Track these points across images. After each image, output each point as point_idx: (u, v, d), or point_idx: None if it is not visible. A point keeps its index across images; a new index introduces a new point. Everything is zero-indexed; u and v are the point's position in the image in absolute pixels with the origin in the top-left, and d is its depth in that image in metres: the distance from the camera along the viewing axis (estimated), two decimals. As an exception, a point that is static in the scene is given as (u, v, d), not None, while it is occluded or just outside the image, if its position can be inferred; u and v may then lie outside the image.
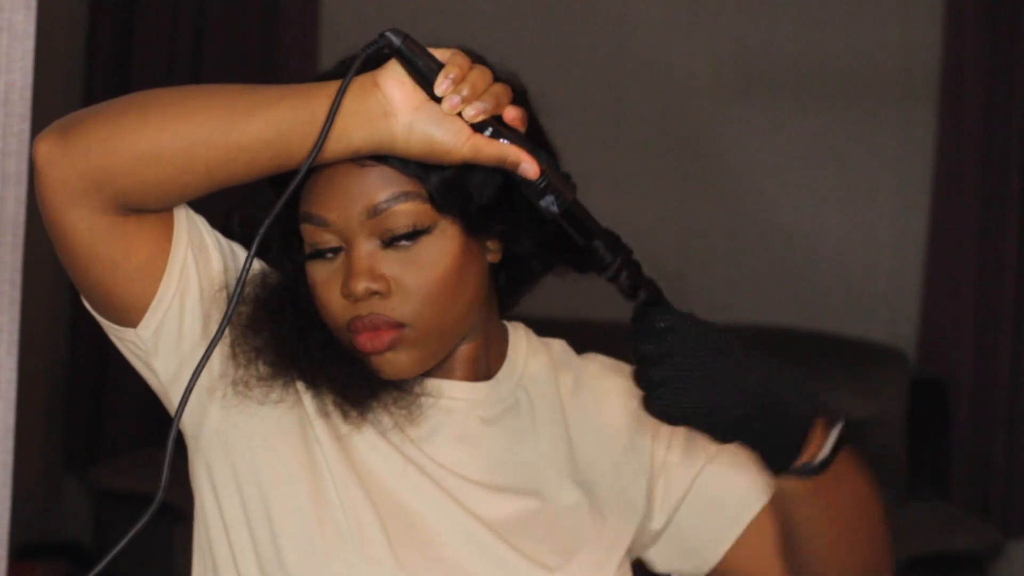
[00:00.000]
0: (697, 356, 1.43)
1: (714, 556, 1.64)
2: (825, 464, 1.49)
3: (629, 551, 1.62)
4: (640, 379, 1.45)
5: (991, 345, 4.65)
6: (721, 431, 1.46)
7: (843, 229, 4.85)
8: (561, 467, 1.61)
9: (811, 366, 4.53)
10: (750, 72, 4.85)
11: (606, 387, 1.67)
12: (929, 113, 4.76)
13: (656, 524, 1.64)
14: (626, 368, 1.66)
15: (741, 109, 4.86)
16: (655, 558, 1.67)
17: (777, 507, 1.56)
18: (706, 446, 1.62)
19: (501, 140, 1.45)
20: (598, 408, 1.65)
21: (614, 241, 1.52)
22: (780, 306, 4.79)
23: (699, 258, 4.82)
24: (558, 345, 1.69)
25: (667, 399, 1.43)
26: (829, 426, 1.49)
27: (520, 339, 1.66)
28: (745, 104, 4.86)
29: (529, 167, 1.45)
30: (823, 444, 1.49)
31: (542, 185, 1.47)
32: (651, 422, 1.61)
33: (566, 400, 1.65)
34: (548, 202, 1.47)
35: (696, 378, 1.43)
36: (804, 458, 1.48)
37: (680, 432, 1.64)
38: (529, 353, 1.65)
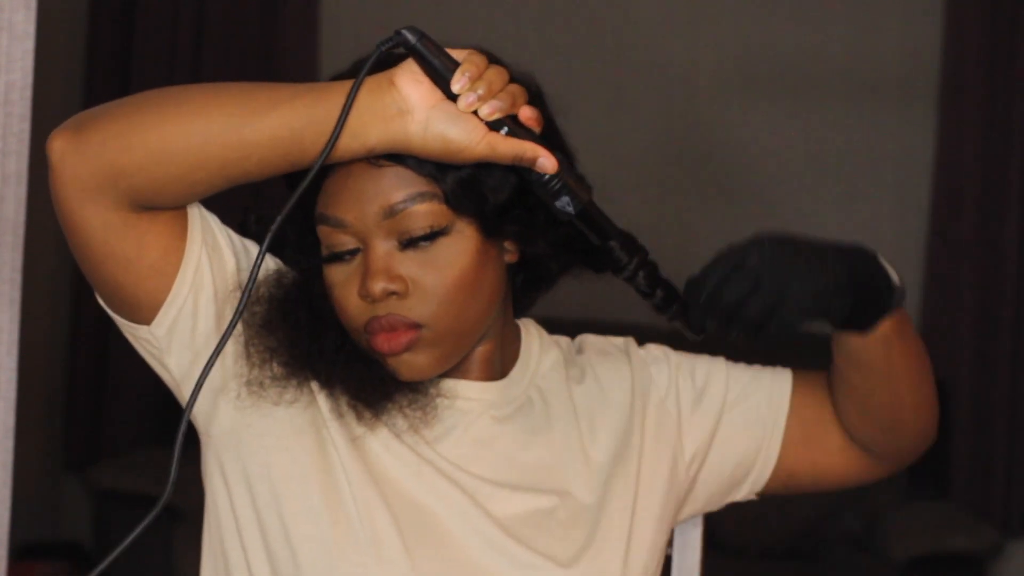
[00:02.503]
0: (782, 272, 1.53)
1: (768, 465, 1.68)
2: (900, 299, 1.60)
3: (633, 534, 1.62)
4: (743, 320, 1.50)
5: (991, 345, 4.65)
6: (832, 306, 1.55)
7: (843, 229, 4.85)
8: (576, 461, 1.61)
9: (811, 366, 4.52)
10: (750, 72, 4.85)
11: (602, 372, 1.67)
12: (929, 113, 4.76)
13: (691, 471, 1.67)
14: (612, 344, 1.71)
15: (741, 109, 4.86)
16: (702, 503, 1.70)
17: (839, 372, 1.67)
18: (718, 378, 1.69)
19: None
20: (601, 395, 1.66)
21: (630, 242, 1.53)
22: (780, 306, 4.78)
23: (699, 257, 4.81)
24: (564, 341, 1.70)
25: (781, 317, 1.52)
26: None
27: (533, 337, 1.66)
28: (745, 104, 4.86)
29: (547, 161, 1.45)
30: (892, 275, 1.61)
31: (557, 186, 1.47)
32: (650, 388, 1.66)
33: (575, 392, 1.65)
34: (564, 203, 1.47)
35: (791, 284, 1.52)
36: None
37: (685, 377, 1.68)
38: (542, 350, 1.66)
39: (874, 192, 4.84)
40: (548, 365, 1.65)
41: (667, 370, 1.68)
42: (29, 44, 1.95)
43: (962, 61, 4.67)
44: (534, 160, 1.45)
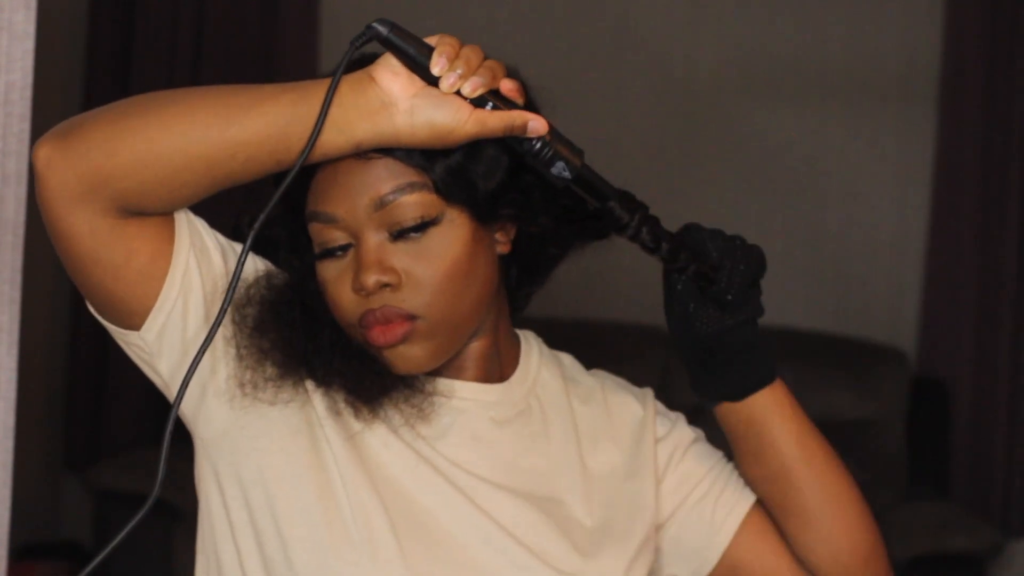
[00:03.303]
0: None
1: (716, 551, 1.67)
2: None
3: (640, 553, 1.63)
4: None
5: (991, 345, 4.65)
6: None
7: (843, 229, 4.85)
8: (573, 473, 1.61)
9: (811, 366, 4.53)
10: (751, 72, 4.85)
11: (614, 401, 1.68)
12: (929, 113, 4.76)
13: (660, 522, 1.67)
14: (632, 387, 1.71)
15: (742, 109, 4.86)
16: (658, 562, 1.69)
17: (756, 426, 1.64)
18: (705, 458, 1.69)
19: None
20: (607, 420, 1.66)
21: (629, 199, 1.54)
22: (780, 306, 4.79)
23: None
24: (567, 359, 1.70)
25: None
26: None
27: (532, 347, 1.66)
28: (746, 104, 4.86)
29: (537, 124, 1.46)
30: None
31: (549, 154, 1.46)
32: (653, 431, 1.67)
33: (577, 410, 1.65)
34: (559, 169, 1.47)
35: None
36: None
37: (682, 442, 1.68)
38: (541, 362, 1.66)
39: (874, 192, 4.84)
40: (548, 376, 1.65)
41: (669, 424, 1.69)
42: (29, 44, 1.94)
43: (962, 61, 4.67)
44: (524, 126, 1.45)
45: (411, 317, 1.50)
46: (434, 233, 1.50)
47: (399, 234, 1.50)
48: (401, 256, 1.50)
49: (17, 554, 4.46)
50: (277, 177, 1.49)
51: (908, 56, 4.80)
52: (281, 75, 4.74)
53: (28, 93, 1.95)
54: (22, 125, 1.95)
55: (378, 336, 1.51)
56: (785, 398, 1.63)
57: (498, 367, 1.61)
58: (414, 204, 1.49)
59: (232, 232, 1.57)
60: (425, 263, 1.50)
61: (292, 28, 4.84)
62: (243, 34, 4.85)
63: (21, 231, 1.97)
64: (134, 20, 4.86)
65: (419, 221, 1.49)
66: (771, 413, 1.62)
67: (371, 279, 1.49)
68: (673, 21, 4.88)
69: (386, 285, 1.50)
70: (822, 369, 4.55)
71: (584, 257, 1.62)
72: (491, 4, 4.87)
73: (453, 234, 1.50)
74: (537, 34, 4.84)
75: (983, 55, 4.65)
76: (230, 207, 1.59)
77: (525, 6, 4.90)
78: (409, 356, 1.52)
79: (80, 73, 4.89)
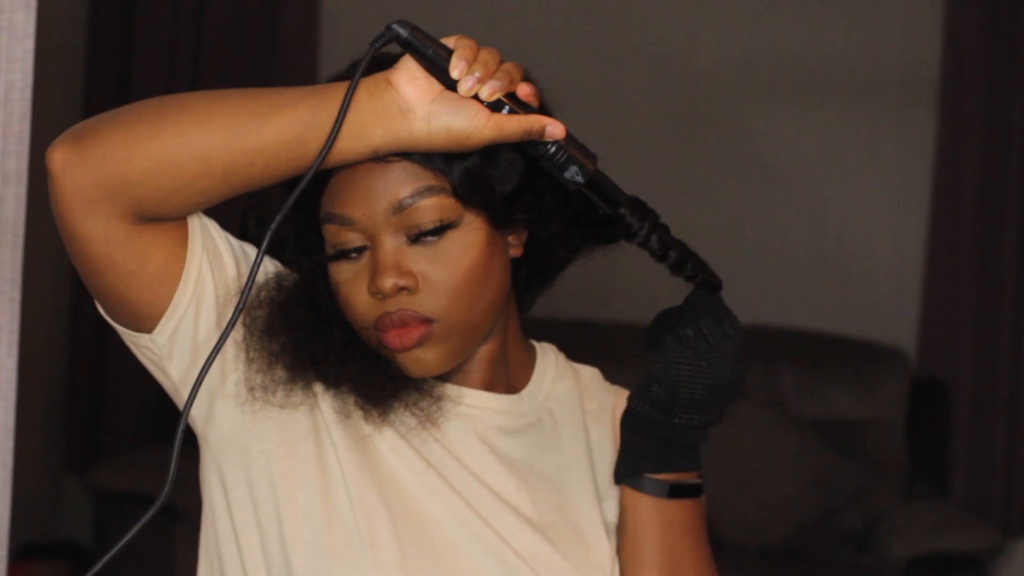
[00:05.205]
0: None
1: None
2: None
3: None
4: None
5: (991, 345, 4.65)
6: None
7: (843, 229, 4.85)
8: (582, 485, 1.61)
9: (811, 366, 4.53)
10: (751, 72, 4.85)
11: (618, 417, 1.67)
12: (929, 113, 4.77)
13: None
14: None
15: (741, 110, 4.86)
16: None
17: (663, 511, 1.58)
18: None
19: None
20: (612, 437, 1.65)
21: (640, 206, 1.54)
22: (780, 306, 4.79)
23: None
24: (589, 373, 1.70)
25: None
26: None
27: (548, 361, 1.66)
28: (745, 105, 4.86)
29: (555, 128, 1.45)
30: None
31: (563, 158, 1.46)
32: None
33: (590, 424, 1.65)
34: (572, 173, 1.47)
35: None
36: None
37: None
38: (557, 375, 1.65)
39: (874, 192, 4.84)
40: (563, 390, 1.65)
41: None
42: (29, 44, 1.94)
43: (962, 61, 4.67)
44: (542, 131, 1.45)
45: (427, 321, 1.50)
46: (451, 237, 1.50)
47: (416, 237, 1.50)
48: (418, 260, 1.50)
49: (17, 554, 4.46)
50: (290, 181, 1.48)
51: (908, 56, 4.80)
52: (281, 75, 4.75)
53: (28, 93, 1.95)
54: (22, 125, 1.95)
55: (394, 339, 1.50)
56: (666, 514, 1.57)
57: (505, 373, 1.61)
58: (432, 208, 1.49)
59: (238, 231, 1.57)
60: (442, 267, 1.50)
61: (292, 28, 4.84)
62: (243, 34, 4.85)
63: (21, 231, 1.97)
64: (134, 20, 4.86)
65: (437, 224, 1.49)
66: (641, 515, 1.57)
67: (388, 282, 1.49)
68: (673, 21, 4.88)
69: (403, 288, 1.49)
70: (822, 369, 4.55)
71: (587, 258, 1.62)
72: (491, 3, 4.87)
73: (470, 238, 1.51)
74: (537, 33, 4.84)
75: (983, 55, 4.66)
76: (237, 206, 1.59)
77: (525, 5, 4.90)
78: (423, 359, 1.52)
79: (80, 73, 4.89)
